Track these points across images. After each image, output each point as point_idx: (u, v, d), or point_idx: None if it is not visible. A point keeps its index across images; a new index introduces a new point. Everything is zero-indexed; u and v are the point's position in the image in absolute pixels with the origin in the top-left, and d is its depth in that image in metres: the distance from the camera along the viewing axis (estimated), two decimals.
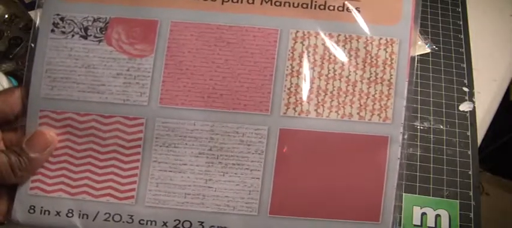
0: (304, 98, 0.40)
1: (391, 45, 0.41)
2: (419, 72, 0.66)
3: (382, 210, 0.40)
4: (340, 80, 0.41)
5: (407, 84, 0.41)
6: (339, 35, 0.41)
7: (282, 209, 0.40)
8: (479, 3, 0.75)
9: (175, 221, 0.40)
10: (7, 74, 0.58)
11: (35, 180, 0.40)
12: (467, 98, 0.66)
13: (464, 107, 0.65)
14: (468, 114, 0.64)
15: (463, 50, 0.69)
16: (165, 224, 0.40)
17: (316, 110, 0.40)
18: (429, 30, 0.70)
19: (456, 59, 0.68)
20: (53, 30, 0.41)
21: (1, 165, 0.37)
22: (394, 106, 0.40)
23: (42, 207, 0.40)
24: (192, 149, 0.40)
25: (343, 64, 0.41)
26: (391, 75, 0.41)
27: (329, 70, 0.41)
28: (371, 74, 0.41)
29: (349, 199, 0.40)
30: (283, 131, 0.40)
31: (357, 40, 0.41)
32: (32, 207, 0.40)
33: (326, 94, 0.40)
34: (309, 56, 0.41)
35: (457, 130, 0.63)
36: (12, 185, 0.40)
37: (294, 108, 0.40)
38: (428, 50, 0.68)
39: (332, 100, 0.40)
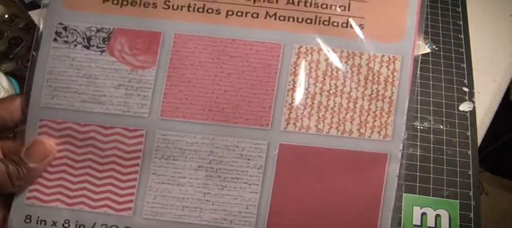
0: (305, 113, 0.40)
1: (394, 62, 0.41)
2: (419, 72, 0.65)
3: (379, 226, 0.40)
4: (341, 96, 0.40)
5: (408, 101, 0.41)
6: (342, 51, 0.41)
7: (279, 225, 0.40)
8: (479, 3, 0.75)
9: None
10: (7, 74, 0.57)
11: (33, 190, 0.40)
12: (467, 98, 0.66)
13: (464, 107, 0.65)
14: (468, 114, 0.65)
15: (463, 50, 0.69)
16: None
17: (316, 126, 0.40)
18: (429, 30, 0.70)
19: (456, 59, 0.68)
20: (55, 39, 0.40)
21: (0, 175, 0.37)
22: (395, 123, 0.40)
23: (38, 217, 0.40)
24: (192, 162, 0.40)
25: (345, 80, 0.41)
26: (392, 92, 0.41)
27: (330, 86, 0.41)
28: (372, 91, 0.41)
29: (346, 216, 0.40)
30: (283, 146, 0.40)
31: (360, 57, 0.41)
32: (28, 216, 0.40)
33: (327, 110, 0.40)
34: (311, 72, 0.41)
35: (457, 130, 0.63)
36: (9, 193, 0.39)
37: (295, 124, 0.40)
38: (428, 50, 0.68)
39: (333, 116, 0.40)
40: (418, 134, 0.62)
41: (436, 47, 0.69)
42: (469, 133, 0.63)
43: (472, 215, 0.58)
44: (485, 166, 1.04)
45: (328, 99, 0.40)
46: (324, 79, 0.40)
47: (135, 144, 0.40)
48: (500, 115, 0.69)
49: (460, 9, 0.73)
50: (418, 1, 0.41)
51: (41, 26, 0.41)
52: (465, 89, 0.66)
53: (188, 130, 0.40)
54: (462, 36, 0.71)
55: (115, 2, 0.41)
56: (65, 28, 0.40)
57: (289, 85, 0.40)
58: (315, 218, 0.40)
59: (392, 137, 0.40)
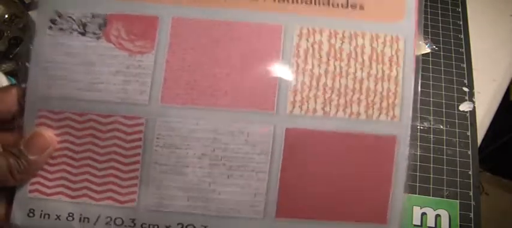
0: (311, 95, 0.39)
1: (396, 42, 0.40)
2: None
3: (390, 211, 0.39)
4: (346, 77, 0.40)
5: (414, 81, 0.40)
6: (344, 31, 0.40)
7: (288, 212, 0.39)
8: (479, 3, 0.75)
9: (178, 224, 0.39)
10: (7, 74, 0.57)
11: (34, 183, 0.39)
12: (467, 98, 0.66)
13: (464, 107, 0.65)
14: (468, 114, 0.65)
15: (463, 50, 0.69)
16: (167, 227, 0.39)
17: (323, 109, 0.39)
18: (429, 30, 0.70)
19: (456, 59, 0.68)
20: (50, 27, 0.39)
21: (1, 169, 0.36)
22: (402, 104, 0.40)
23: (41, 210, 0.39)
24: (195, 150, 0.39)
25: (349, 61, 0.40)
26: (397, 72, 0.40)
27: (335, 67, 0.40)
28: (377, 71, 0.40)
29: (356, 200, 0.39)
30: (290, 130, 0.39)
31: (362, 37, 0.40)
32: (32, 210, 0.39)
33: (333, 92, 0.39)
34: (314, 53, 0.40)
35: (457, 130, 0.63)
36: (10, 188, 0.38)
37: (300, 107, 0.39)
38: (428, 50, 0.68)
39: (339, 98, 0.39)
40: (418, 134, 0.62)
41: (436, 47, 0.69)
42: (469, 133, 0.63)
43: (472, 215, 0.58)
44: (485, 166, 1.04)
45: (334, 81, 0.39)
46: (328, 60, 0.40)
47: (136, 132, 0.39)
48: (500, 115, 0.69)
49: (460, 9, 0.73)
50: None
51: (35, 14, 0.40)
52: (465, 89, 0.66)
53: (190, 116, 0.39)
54: (462, 36, 0.71)
55: None
56: (59, 15, 0.39)
57: (292, 67, 0.39)
58: (325, 203, 0.39)
59: (400, 118, 0.40)
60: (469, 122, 0.64)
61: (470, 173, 0.61)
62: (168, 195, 0.39)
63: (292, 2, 0.40)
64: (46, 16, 0.39)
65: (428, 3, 0.73)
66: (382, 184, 0.39)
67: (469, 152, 0.62)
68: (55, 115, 0.39)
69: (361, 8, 0.40)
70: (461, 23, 0.72)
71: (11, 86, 0.40)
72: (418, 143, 0.61)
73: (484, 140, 0.65)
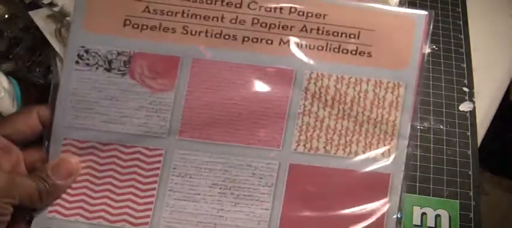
0: (315, 135, 0.43)
1: (398, 88, 0.43)
2: None
3: None
4: (348, 120, 0.43)
5: (410, 125, 0.43)
6: (350, 77, 0.43)
7: None
8: (479, 3, 0.75)
9: None
10: (7, 74, 0.57)
11: (54, 204, 0.41)
12: (467, 98, 0.66)
13: (464, 107, 0.65)
14: (468, 114, 0.64)
15: (463, 50, 0.69)
16: None
17: (324, 147, 0.43)
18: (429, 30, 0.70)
19: (456, 59, 0.68)
20: (77, 62, 0.42)
21: (31, 192, 0.38)
22: (397, 146, 0.43)
23: None
24: (207, 180, 0.42)
25: (352, 105, 0.43)
26: (396, 116, 0.43)
27: (338, 110, 0.43)
28: (377, 115, 0.43)
29: None
30: (293, 166, 0.42)
31: (367, 83, 0.43)
32: None
33: (334, 133, 0.43)
34: (321, 96, 0.43)
35: (457, 130, 0.63)
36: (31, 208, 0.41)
37: (304, 145, 0.43)
38: (428, 50, 0.68)
39: (340, 139, 0.43)
40: (418, 134, 0.61)
41: (436, 47, 0.69)
42: (469, 133, 0.63)
43: (472, 215, 0.58)
44: (485, 166, 1.04)
45: (336, 123, 0.43)
46: (333, 104, 0.43)
47: (154, 162, 0.42)
48: (500, 115, 0.69)
49: (460, 9, 0.73)
50: (424, 31, 0.43)
51: (64, 50, 0.43)
52: (465, 89, 0.66)
53: (204, 150, 0.42)
54: (462, 36, 0.71)
55: (135, 26, 0.42)
56: (86, 51, 0.42)
57: (300, 109, 0.42)
58: None
59: (395, 158, 0.43)
60: (469, 122, 0.64)
61: (470, 173, 0.61)
62: (180, 219, 0.42)
63: (305, 47, 0.43)
64: (74, 51, 0.42)
65: (428, 3, 0.72)
66: (377, 217, 0.43)
67: (469, 152, 0.62)
68: (80, 143, 0.42)
69: (369, 55, 0.43)
70: (461, 23, 0.72)
71: (33, 107, 0.42)
72: (418, 143, 0.61)
73: (484, 140, 0.65)
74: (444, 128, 0.63)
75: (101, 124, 0.41)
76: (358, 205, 0.42)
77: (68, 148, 0.41)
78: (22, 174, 0.40)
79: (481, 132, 0.65)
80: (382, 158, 0.43)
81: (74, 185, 0.41)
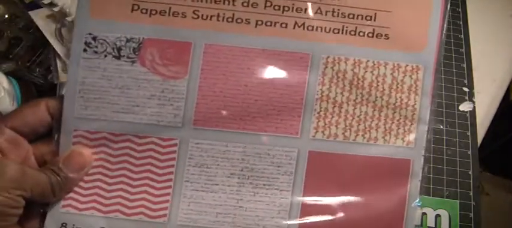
0: (333, 122, 0.42)
1: (417, 72, 0.42)
2: None
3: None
4: (367, 105, 0.42)
5: (430, 109, 0.42)
6: (368, 61, 0.42)
7: None
8: (479, 3, 0.75)
9: None
10: (7, 74, 0.57)
11: (68, 198, 0.40)
12: (467, 98, 0.66)
13: (464, 107, 0.65)
14: (468, 114, 0.65)
15: (463, 50, 0.69)
16: None
17: (343, 134, 0.42)
18: None
19: (456, 59, 0.68)
20: (85, 50, 0.40)
21: (43, 185, 0.37)
22: (417, 131, 0.42)
23: (74, 224, 0.40)
24: (224, 170, 0.41)
25: (370, 89, 0.42)
26: (415, 101, 0.42)
27: (357, 95, 0.42)
28: (396, 99, 0.42)
29: (374, 219, 0.42)
30: (312, 153, 0.41)
31: (385, 66, 0.42)
32: (64, 224, 0.40)
33: (353, 118, 0.42)
34: (338, 81, 0.41)
35: (457, 130, 0.63)
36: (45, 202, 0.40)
37: (323, 132, 0.41)
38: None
39: (359, 124, 0.42)
40: None
41: None
42: (469, 133, 0.63)
43: (472, 215, 0.58)
44: (485, 166, 1.04)
45: (355, 108, 0.42)
46: (351, 88, 0.42)
47: (169, 153, 0.41)
48: (500, 115, 0.69)
49: (460, 9, 0.73)
50: (441, 11, 0.42)
51: (72, 37, 0.40)
52: (465, 89, 0.66)
53: (221, 139, 0.41)
54: (462, 36, 0.71)
55: (144, 11, 0.40)
56: (94, 38, 0.40)
57: (317, 95, 0.41)
58: (343, 221, 0.42)
59: (415, 143, 0.42)
60: (469, 122, 0.64)
61: (470, 173, 0.61)
62: (198, 211, 0.41)
63: (321, 30, 0.41)
64: (81, 39, 0.40)
65: None
66: (397, 204, 0.42)
67: (469, 152, 0.62)
68: (91, 135, 0.40)
69: (386, 37, 0.42)
70: (461, 23, 0.72)
71: (41, 99, 0.40)
72: None
73: (484, 140, 0.65)
74: (444, 128, 0.63)
75: (111, 114, 0.40)
76: (378, 192, 0.42)
77: (79, 140, 0.40)
78: (33, 168, 0.39)
79: (481, 132, 0.65)
80: (402, 143, 0.42)
81: (87, 178, 0.40)
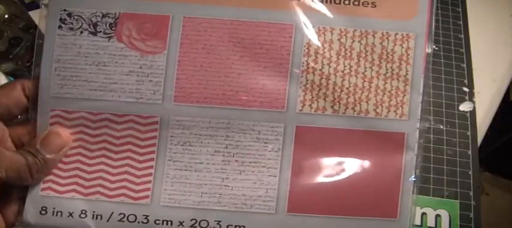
0: (321, 94, 0.40)
1: (407, 40, 0.40)
2: None
3: (400, 206, 0.40)
4: (356, 76, 0.40)
5: (423, 80, 0.40)
6: (355, 30, 0.40)
7: (299, 207, 0.40)
8: (479, 3, 0.75)
9: (191, 220, 0.39)
10: (7, 74, 0.57)
11: (47, 181, 0.39)
12: (467, 98, 0.66)
13: (464, 107, 0.65)
14: (468, 114, 0.65)
15: (463, 50, 0.69)
16: (181, 223, 0.39)
17: (332, 107, 0.40)
18: None
19: (456, 59, 0.68)
20: (60, 27, 0.39)
21: (19, 167, 0.36)
22: (411, 102, 0.40)
23: (54, 208, 0.39)
24: (208, 148, 0.40)
25: (359, 60, 0.40)
26: (407, 71, 0.40)
27: (345, 66, 0.40)
28: (387, 70, 0.40)
29: (367, 196, 0.40)
30: (300, 128, 0.40)
31: (373, 35, 0.40)
32: (44, 208, 0.39)
33: (342, 91, 0.40)
34: (324, 52, 0.40)
35: (457, 130, 0.63)
36: (23, 186, 0.39)
37: (310, 105, 0.40)
38: (428, 50, 0.68)
39: (348, 97, 0.40)
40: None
41: (436, 47, 0.69)
42: (469, 133, 0.63)
43: (472, 215, 0.58)
44: (485, 166, 1.04)
45: (343, 80, 0.40)
46: (338, 59, 0.40)
47: (150, 131, 0.39)
48: (500, 115, 0.69)
49: (460, 9, 0.73)
50: None
51: (45, 13, 0.39)
52: (465, 89, 0.66)
53: (203, 115, 0.39)
54: (462, 36, 0.71)
55: None
56: (69, 14, 0.39)
57: (303, 66, 0.40)
58: (335, 199, 0.40)
59: (409, 115, 0.40)
60: (469, 122, 0.64)
61: (470, 173, 0.61)
62: (182, 191, 0.40)
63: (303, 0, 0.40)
64: (56, 15, 0.39)
65: None
66: (391, 179, 0.40)
67: (469, 152, 0.62)
68: (68, 114, 0.39)
69: (373, 5, 0.40)
70: (461, 23, 0.72)
71: (14, 81, 0.40)
72: None
73: (484, 140, 0.66)
74: (444, 128, 0.63)
75: (89, 92, 0.39)
76: (371, 168, 0.40)
77: (57, 120, 0.39)
78: (9, 149, 0.38)
79: (481, 132, 0.65)
80: (394, 116, 0.40)
81: (66, 160, 0.39)
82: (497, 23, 0.75)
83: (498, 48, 0.73)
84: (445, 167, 0.61)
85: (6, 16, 0.59)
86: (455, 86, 0.66)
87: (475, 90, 0.66)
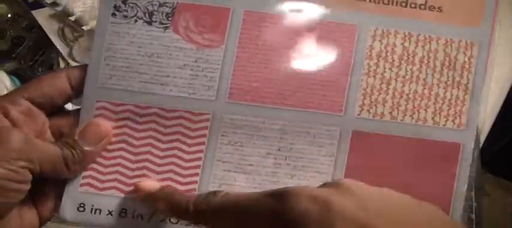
0: (380, 99, 0.38)
1: (471, 48, 0.39)
2: None
3: (451, 216, 0.39)
4: (416, 82, 0.39)
5: (483, 89, 0.39)
6: (419, 35, 0.39)
7: None
8: None
9: None
10: (9, 73, 0.56)
11: (86, 176, 0.37)
12: None
13: None
14: None
15: None
16: None
17: (390, 113, 0.38)
18: None
19: None
20: (114, 14, 0.37)
21: (55, 159, 0.34)
22: (469, 112, 0.39)
23: (92, 205, 0.37)
24: (260, 149, 0.38)
25: (421, 66, 0.39)
26: (468, 79, 0.39)
27: (406, 72, 0.38)
28: (448, 77, 0.39)
29: None
30: (356, 133, 0.38)
31: (437, 41, 0.39)
32: (82, 205, 0.37)
33: (402, 97, 0.38)
34: (387, 56, 0.38)
35: None
36: (61, 180, 0.37)
37: (368, 110, 0.38)
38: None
39: (407, 103, 0.39)
40: None
41: None
42: None
43: (473, 216, 0.58)
44: (486, 167, 1.04)
45: (404, 85, 0.38)
46: (400, 64, 0.38)
47: (200, 128, 0.37)
48: (502, 115, 0.69)
49: None
50: None
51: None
52: None
53: (257, 114, 0.37)
54: None
55: None
56: (124, 2, 0.37)
57: (364, 69, 0.38)
58: None
59: (467, 125, 0.39)
60: None
61: (472, 174, 0.60)
62: None
63: (369, 1, 0.38)
64: (110, 2, 0.37)
65: None
66: (444, 189, 0.39)
67: None
68: (115, 107, 0.37)
69: (440, 10, 0.39)
70: None
71: (62, 69, 0.38)
72: None
73: (486, 141, 0.65)
74: None
75: (139, 84, 0.37)
76: (425, 177, 0.38)
77: (102, 112, 0.37)
78: (47, 141, 0.36)
79: (483, 134, 0.65)
80: (452, 125, 0.39)
81: (108, 155, 0.37)
82: (500, 24, 0.75)
83: (498, 48, 0.72)
84: None
85: (9, 15, 0.59)
86: None
87: None
